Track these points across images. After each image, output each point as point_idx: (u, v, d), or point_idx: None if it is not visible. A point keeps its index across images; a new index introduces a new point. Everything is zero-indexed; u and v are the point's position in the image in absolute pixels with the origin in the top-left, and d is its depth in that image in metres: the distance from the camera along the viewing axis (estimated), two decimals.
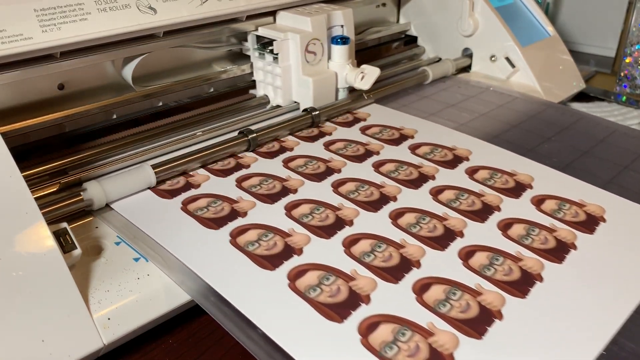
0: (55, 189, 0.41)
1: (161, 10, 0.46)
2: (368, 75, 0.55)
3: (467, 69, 0.72)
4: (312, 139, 0.51)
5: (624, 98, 0.74)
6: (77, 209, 0.39)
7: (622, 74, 0.76)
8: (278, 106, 0.57)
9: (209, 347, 0.34)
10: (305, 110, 0.54)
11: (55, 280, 0.31)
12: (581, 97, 0.74)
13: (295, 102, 0.57)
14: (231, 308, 0.32)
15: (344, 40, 0.56)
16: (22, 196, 0.32)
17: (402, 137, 0.52)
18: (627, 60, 0.76)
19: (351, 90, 0.59)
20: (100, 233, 0.38)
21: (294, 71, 0.55)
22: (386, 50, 0.77)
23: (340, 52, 0.56)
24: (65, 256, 0.32)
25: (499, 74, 0.69)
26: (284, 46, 0.54)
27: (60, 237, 0.33)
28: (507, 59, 0.69)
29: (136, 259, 0.35)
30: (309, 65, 0.54)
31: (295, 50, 0.54)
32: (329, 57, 0.57)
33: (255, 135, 0.48)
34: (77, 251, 0.33)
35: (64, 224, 0.34)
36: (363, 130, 0.53)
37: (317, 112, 0.54)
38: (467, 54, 0.72)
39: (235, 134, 0.50)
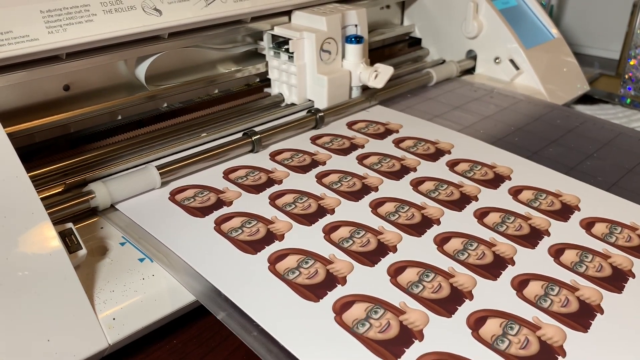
0: (60, 190, 0.41)
1: (166, 12, 0.46)
2: (382, 74, 0.56)
3: (471, 70, 0.72)
4: (344, 152, 0.50)
5: (629, 100, 0.74)
6: (83, 210, 0.39)
7: (626, 77, 0.76)
8: (293, 104, 0.58)
9: (214, 348, 0.34)
10: (309, 111, 0.55)
11: (61, 281, 0.31)
12: (585, 99, 0.74)
13: (310, 100, 0.58)
14: (238, 311, 0.31)
15: (358, 39, 0.57)
16: (28, 196, 0.32)
17: (439, 152, 0.50)
18: (632, 62, 0.75)
19: (364, 88, 0.60)
20: (106, 233, 0.38)
21: (309, 70, 0.56)
22: (390, 52, 0.77)
23: (354, 51, 0.57)
24: (71, 256, 0.32)
25: (503, 76, 0.69)
26: (300, 45, 0.55)
27: (66, 238, 0.33)
28: (512, 61, 0.69)
29: (141, 260, 0.36)
30: (324, 64, 0.55)
31: (310, 49, 0.55)
32: (343, 56, 0.58)
33: (259, 136, 0.49)
34: (83, 251, 0.33)
35: (70, 225, 0.34)
36: (397, 143, 0.52)
37: (321, 114, 0.54)
38: (471, 55, 0.72)
39: (240, 135, 0.50)
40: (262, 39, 0.58)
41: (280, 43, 0.56)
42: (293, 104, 0.58)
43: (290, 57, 0.55)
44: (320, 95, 0.56)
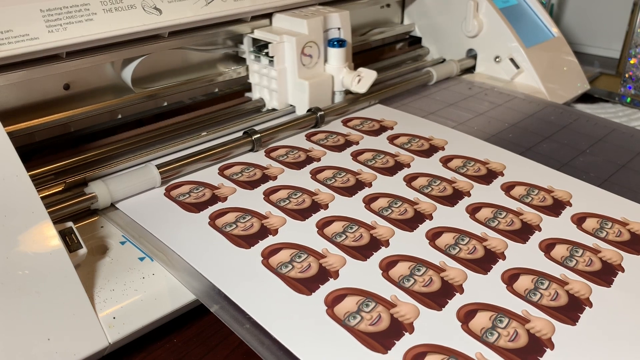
0: (60, 189, 0.41)
1: (166, 11, 0.46)
2: (365, 79, 0.55)
3: (471, 69, 0.72)
4: (339, 148, 0.50)
5: (629, 99, 0.74)
6: (83, 209, 0.39)
7: (626, 75, 0.76)
8: (274, 109, 0.56)
9: (214, 347, 0.34)
10: (309, 110, 0.55)
11: (61, 280, 0.31)
12: (585, 98, 0.74)
13: (291, 105, 0.56)
14: (231, 304, 0.31)
15: (340, 42, 0.55)
16: (28, 196, 0.32)
17: (433, 149, 0.50)
18: (632, 61, 0.75)
19: (347, 93, 0.58)
20: (106, 232, 0.38)
21: (290, 74, 0.54)
22: (390, 51, 0.77)
23: (336, 55, 0.55)
24: (71, 255, 0.32)
25: (504, 74, 0.69)
26: (280, 49, 0.53)
27: (66, 237, 0.33)
28: (512, 59, 0.69)
29: (141, 259, 0.36)
30: (305, 68, 0.54)
31: (291, 53, 0.53)
32: (326, 60, 0.56)
33: (259, 135, 0.49)
34: (83, 250, 0.33)
35: (70, 224, 0.34)
36: (391, 139, 0.52)
37: (322, 113, 0.54)
38: (472, 54, 0.72)
39: (240, 134, 0.50)
40: (242, 42, 0.56)
41: (261, 47, 0.55)
42: (274, 109, 0.56)
43: (271, 62, 0.54)
44: (301, 100, 0.55)
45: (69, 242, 0.33)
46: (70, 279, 0.31)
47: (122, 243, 0.37)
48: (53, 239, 0.31)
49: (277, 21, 0.55)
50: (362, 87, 0.55)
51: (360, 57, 0.71)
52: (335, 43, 0.55)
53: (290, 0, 0.55)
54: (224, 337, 0.34)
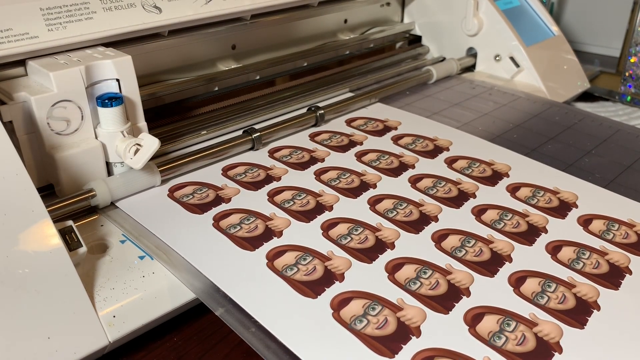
0: None
1: (166, 9, 0.46)
2: (144, 149, 0.40)
3: (471, 68, 0.72)
4: (343, 148, 0.50)
5: (629, 98, 0.74)
6: (83, 207, 0.39)
7: (626, 74, 0.76)
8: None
9: (214, 345, 0.34)
10: (309, 108, 0.55)
11: (61, 278, 0.31)
12: (586, 97, 0.74)
13: (51, 183, 0.41)
14: (236, 307, 0.31)
15: (112, 100, 0.40)
16: (28, 194, 0.32)
17: (437, 149, 0.50)
18: (632, 60, 0.75)
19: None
20: (106, 231, 0.38)
21: (41, 144, 0.40)
22: (390, 50, 0.77)
23: (108, 117, 0.40)
24: (71, 254, 0.32)
25: (504, 73, 0.69)
26: (18, 112, 0.38)
27: (66, 235, 0.33)
28: (512, 58, 0.69)
29: (141, 257, 0.36)
30: (60, 136, 0.39)
31: (35, 117, 0.38)
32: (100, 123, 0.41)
33: (259, 134, 0.49)
34: (83, 249, 0.33)
35: (70, 222, 0.34)
36: (395, 140, 0.52)
37: (322, 111, 0.54)
38: (472, 53, 0.72)
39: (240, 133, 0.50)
40: None
41: None
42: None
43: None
44: (56, 177, 0.40)
45: (69, 240, 0.33)
46: (70, 277, 0.31)
47: (122, 242, 0.37)
48: (53, 238, 0.31)
49: (31, 71, 0.40)
50: (137, 162, 0.40)
51: (359, 59, 0.71)
52: (106, 101, 0.40)
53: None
54: (223, 336, 0.34)
